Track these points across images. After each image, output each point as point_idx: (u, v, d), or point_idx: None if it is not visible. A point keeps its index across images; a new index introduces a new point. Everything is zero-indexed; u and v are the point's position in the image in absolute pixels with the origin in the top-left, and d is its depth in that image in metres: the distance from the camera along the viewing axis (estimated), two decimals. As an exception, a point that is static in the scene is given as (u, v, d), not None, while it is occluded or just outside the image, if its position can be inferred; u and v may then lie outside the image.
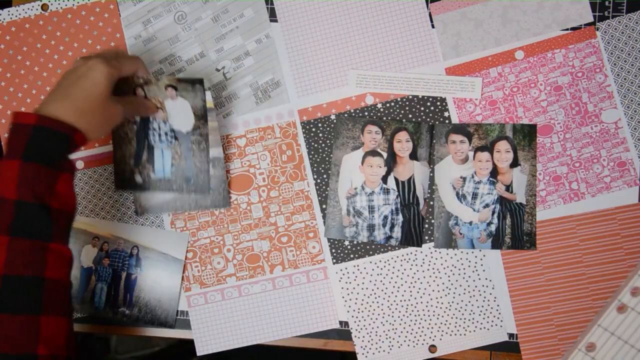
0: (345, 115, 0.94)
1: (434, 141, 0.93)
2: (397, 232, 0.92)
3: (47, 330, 0.70)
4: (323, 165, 0.94)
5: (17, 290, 0.70)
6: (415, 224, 0.92)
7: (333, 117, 0.94)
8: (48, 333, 0.70)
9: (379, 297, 0.93)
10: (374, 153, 0.93)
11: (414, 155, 0.92)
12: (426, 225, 0.93)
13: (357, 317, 0.93)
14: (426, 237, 0.92)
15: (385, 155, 0.92)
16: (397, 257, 0.93)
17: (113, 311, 0.94)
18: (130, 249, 0.94)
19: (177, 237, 0.94)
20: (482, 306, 0.92)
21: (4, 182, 0.71)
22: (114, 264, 0.94)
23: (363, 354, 0.93)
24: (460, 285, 0.92)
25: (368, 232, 0.92)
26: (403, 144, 0.92)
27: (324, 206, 0.93)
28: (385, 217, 0.92)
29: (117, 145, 0.91)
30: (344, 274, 0.93)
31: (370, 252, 0.93)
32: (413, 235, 0.92)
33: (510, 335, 0.91)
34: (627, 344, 0.84)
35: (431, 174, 0.93)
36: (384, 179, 0.92)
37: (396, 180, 0.92)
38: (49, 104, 0.76)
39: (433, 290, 0.92)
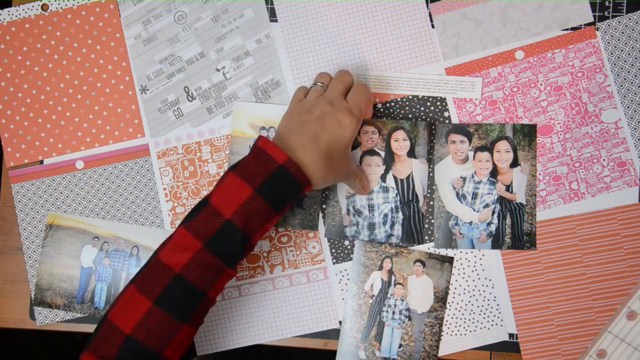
0: (345, 115, 0.94)
1: (434, 141, 0.93)
2: (398, 230, 0.92)
3: (180, 337, 0.75)
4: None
5: (180, 293, 0.74)
6: (416, 221, 0.92)
7: (333, 117, 0.94)
8: (179, 340, 0.75)
9: (378, 297, 0.93)
10: (371, 152, 0.93)
11: (411, 153, 0.92)
12: (426, 225, 0.92)
13: (357, 317, 0.93)
14: (426, 237, 0.92)
15: (383, 154, 0.92)
16: (397, 257, 0.93)
17: (113, 311, 0.94)
18: (130, 249, 0.94)
19: (176, 237, 0.94)
20: (482, 306, 0.91)
21: (229, 200, 0.75)
22: (114, 264, 0.94)
23: (363, 354, 0.93)
24: (460, 285, 0.92)
25: (369, 230, 0.92)
26: (400, 142, 0.92)
27: (324, 206, 0.93)
28: (386, 216, 0.92)
29: (347, 317, 0.91)
30: (344, 275, 0.93)
31: (370, 252, 0.93)
32: (414, 232, 0.92)
33: (510, 335, 0.91)
34: (637, 350, 0.84)
35: (431, 174, 0.93)
36: (383, 178, 0.92)
37: (395, 178, 0.92)
38: (297, 145, 0.78)
39: (433, 290, 0.92)
